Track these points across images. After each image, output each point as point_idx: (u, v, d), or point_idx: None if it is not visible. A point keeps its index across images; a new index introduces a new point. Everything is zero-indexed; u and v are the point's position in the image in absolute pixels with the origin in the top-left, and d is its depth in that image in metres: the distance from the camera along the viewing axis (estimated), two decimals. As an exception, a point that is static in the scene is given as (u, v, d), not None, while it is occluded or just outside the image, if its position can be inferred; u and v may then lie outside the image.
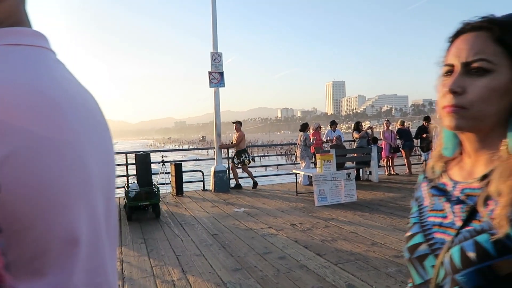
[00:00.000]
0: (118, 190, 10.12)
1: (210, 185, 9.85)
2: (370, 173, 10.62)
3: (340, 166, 9.12)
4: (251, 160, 10.03)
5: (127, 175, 9.61)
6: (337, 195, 7.60)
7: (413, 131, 11.78)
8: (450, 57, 0.74)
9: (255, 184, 9.95)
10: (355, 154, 11.15)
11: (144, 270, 4.21)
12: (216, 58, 9.74)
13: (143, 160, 8.19)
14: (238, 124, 10.07)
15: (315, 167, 9.46)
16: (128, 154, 9.93)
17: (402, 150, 11.58)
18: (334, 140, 10.80)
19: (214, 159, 10.31)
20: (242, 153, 9.90)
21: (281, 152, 21.10)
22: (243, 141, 9.98)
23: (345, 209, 6.95)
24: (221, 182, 9.65)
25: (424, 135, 10.83)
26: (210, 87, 9.74)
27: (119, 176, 10.29)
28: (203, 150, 32.43)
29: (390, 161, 11.73)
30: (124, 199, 7.70)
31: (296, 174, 9.40)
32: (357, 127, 11.40)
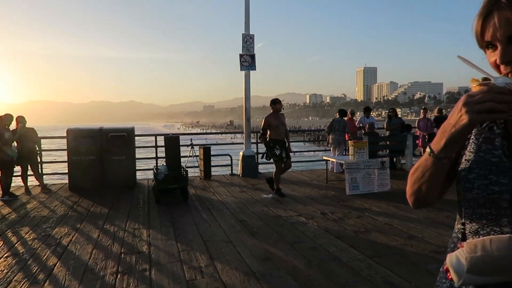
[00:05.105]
0: (147, 172, 10.20)
1: (238, 169, 9.75)
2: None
3: (372, 155, 8.78)
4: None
5: (156, 158, 9.62)
6: (370, 184, 7.31)
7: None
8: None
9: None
10: (388, 142, 10.71)
11: (172, 254, 4.14)
12: (248, 40, 9.49)
13: (172, 143, 8.14)
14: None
15: (347, 154, 9.16)
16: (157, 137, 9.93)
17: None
18: (367, 128, 10.41)
19: (242, 143, 10.17)
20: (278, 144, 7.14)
21: (309, 139, 20.76)
22: None
23: (378, 199, 6.66)
24: (250, 167, 9.52)
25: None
26: (241, 70, 9.53)
27: (148, 158, 10.35)
28: (226, 134, 32.66)
29: None
30: (152, 181, 7.70)
31: (326, 161, 9.13)
32: (395, 114, 10.85)
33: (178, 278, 3.52)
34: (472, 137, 0.94)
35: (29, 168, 7.86)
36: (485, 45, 0.87)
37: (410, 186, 0.99)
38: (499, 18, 0.82)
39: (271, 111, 7.27)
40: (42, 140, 8.73)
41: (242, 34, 9.48)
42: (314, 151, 14.06)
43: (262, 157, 7.51)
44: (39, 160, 8.24)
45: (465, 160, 0.93)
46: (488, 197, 0.87)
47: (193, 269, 3.71)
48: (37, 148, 8.02)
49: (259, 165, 10.01)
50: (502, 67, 0.84)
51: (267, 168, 10.49)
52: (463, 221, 0.95)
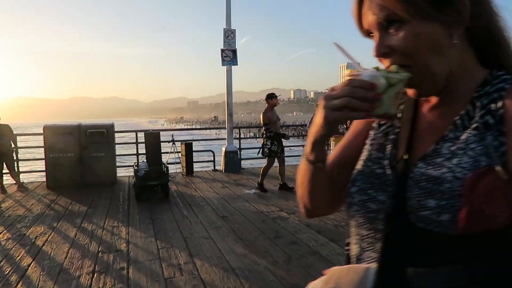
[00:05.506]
0: (129, 169, 10.05)
1: (220, 165, 9.69)
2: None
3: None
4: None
5: (137, 154, 9.48)
6: (351, 178, 7.34)
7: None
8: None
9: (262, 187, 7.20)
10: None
11: (151, 252, 4.07)
12: (229, 35, 9.40)
13: (153, 139, 8.03)
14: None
15: (328, 148, 9.20)
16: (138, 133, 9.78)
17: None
18: (348, 122, 10.47)
19: (224, 139, 10.11)
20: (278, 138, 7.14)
21: (293, 134, 20.78)
22: None
23: (360, 193, 6.70)
24: (232, 163, 9.47)
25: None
26: (222, 65, 9.45)
27: (129, 155, 10.20)
28: (212, 130, 32.45)
29: None
30: (133, 178, 7.58)
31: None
32: None
33: (156, 276, 3.47)
34: (368, 142, 0.80)
35: (4, 166, 7.64)
36: (366, 34, 0.73)
37: (296, 191, 0.85)
38: (370, 2, 0.69)
39: (266, 105, 7.21)
40: (18, 137, 8.50)
41: (224, 28, 9.39)
42: (303, 146, 14.00)
43: (258, 153, 7.37)
44: (15, 157, 8.02)
45: (356, 169, 0.78)
46: (367, 216, 0.72)
47: (172, 267, 3.66)
48: (13, 145, 7.80)
49: (241, 161, 9.97)
50: (382, 60, 0.70)
51: (252, 163, 10.46)
52: (347, 241, 0.80)
